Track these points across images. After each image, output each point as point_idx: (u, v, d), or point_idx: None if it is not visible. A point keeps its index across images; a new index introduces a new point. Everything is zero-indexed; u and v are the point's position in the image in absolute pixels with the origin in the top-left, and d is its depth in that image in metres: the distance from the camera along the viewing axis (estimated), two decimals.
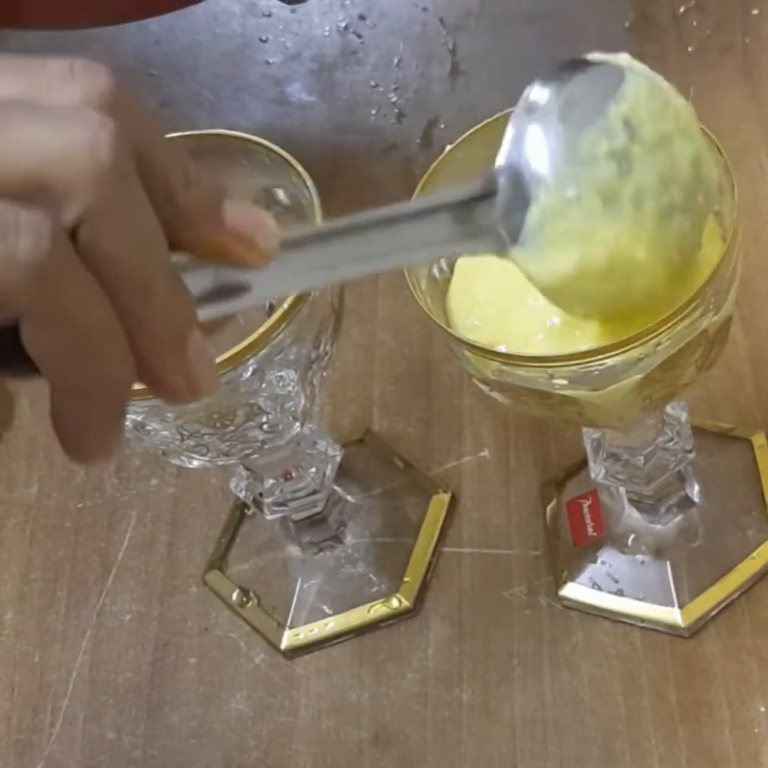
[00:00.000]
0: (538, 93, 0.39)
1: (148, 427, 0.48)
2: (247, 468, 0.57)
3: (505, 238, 0.39)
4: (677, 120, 0.41)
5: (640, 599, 0.57)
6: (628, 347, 0.42)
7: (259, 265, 0.33)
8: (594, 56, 0.40)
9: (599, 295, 0.41)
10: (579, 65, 0.40)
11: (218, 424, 0.48)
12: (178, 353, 0.32)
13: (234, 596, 0.61)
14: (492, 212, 0.38)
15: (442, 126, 0.76)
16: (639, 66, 0.40)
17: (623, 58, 0.41)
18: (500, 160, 0.39)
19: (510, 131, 0.39)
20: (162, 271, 0.31)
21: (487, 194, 0.38)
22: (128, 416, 0.47)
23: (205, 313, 0.33)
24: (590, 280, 0.40)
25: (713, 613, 0.56)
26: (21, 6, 0.55)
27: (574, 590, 0.58)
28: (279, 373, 0.47)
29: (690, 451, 0.55)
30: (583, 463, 0.58)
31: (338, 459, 0.58)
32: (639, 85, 0.40)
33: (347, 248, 0.36)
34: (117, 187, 0.30)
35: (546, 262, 0.40)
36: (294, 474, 0.57)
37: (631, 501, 0.58)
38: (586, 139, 0.39)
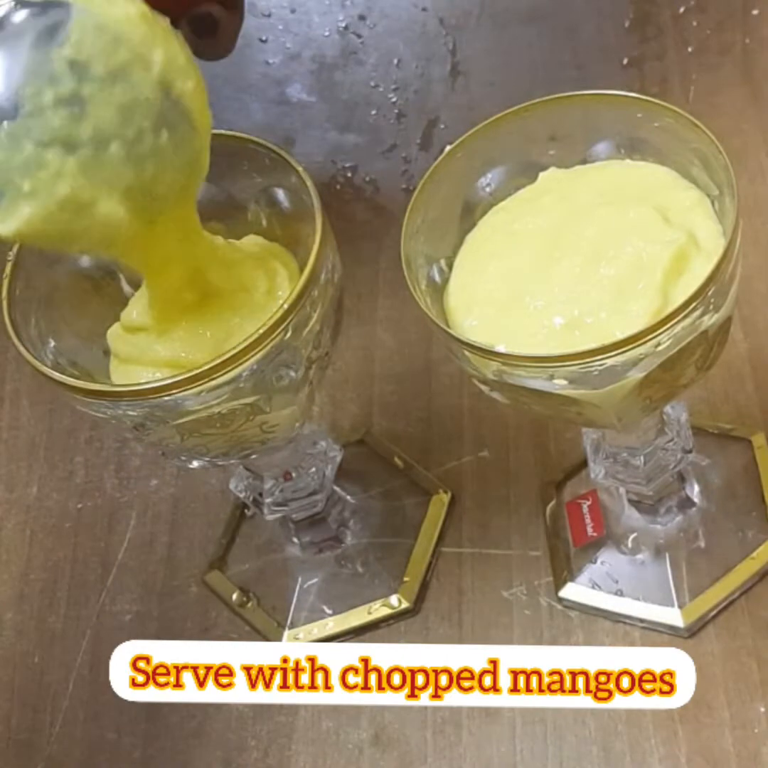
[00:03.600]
0: None
1: (148, 427, 0.48)
2: (247, 468, 0.57)
3: None
4: (131, 49, 0.40)
5: (639, 599, 0.57)
6: (628, 347, 0.42)
7: None
8: None
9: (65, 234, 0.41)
10: (22, 5, 0.39)
11: (218, 424, 0.48)
12: None
13: (234, 596, 0.61)
14: None
15: (442, 126, 0.76)
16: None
17: None
18: None
19: None
20: None
21: None
22: (128, 416, 0.47)
23: None
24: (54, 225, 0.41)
25: (713, 613, 0.56)
26: None
27: (574, 590, 0.58)
28: (279, 373, 0.47)
29: (690, 451, 0.55)
30: (583, 463, 0.58)
31: (338, 459, 0.58)
32: (85, 23, 0.39)
33: None
34: None
35: (8, 218, 0.40)
36: (294, 474, 0.57)
37: (631, 501, 0.58)
38: (28, 91, 0.39)
